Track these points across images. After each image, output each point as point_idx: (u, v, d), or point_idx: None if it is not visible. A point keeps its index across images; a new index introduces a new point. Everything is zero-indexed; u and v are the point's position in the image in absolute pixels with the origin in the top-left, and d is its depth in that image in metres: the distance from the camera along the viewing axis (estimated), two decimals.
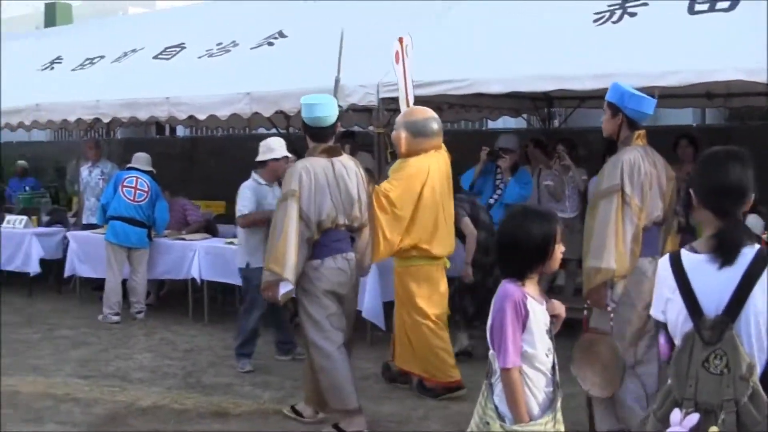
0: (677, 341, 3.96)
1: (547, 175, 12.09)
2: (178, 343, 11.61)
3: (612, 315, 6.86)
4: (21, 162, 19.75)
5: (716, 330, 3.81)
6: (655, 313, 4.14)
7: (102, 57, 15.86)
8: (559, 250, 4.68)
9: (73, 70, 15.96)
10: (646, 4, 10.34)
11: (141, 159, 13.41)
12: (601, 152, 7.24)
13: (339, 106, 8.53)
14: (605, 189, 6.94)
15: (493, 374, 4.66)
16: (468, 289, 10.21)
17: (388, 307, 9.92)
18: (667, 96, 11.07)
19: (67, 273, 14.28)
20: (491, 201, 11.76)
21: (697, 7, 9.94)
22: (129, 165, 13.47)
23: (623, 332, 6.91)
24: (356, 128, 15.72)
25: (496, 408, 4.61)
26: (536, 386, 4.59)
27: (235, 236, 12.54)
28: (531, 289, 4.65)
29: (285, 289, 7.77)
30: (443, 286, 9.08)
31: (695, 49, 9.35)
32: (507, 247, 4.73)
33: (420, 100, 10.08)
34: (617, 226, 6.83)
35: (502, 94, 11.59)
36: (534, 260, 4.65)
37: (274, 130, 16.21)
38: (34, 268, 14.57)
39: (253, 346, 10.40)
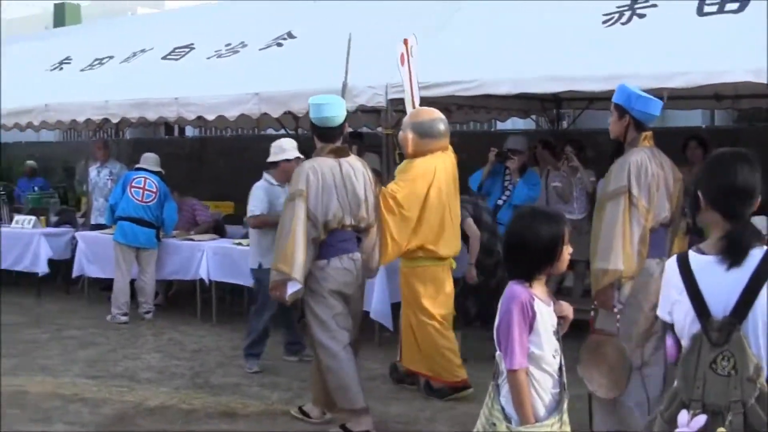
0: (684, 342, 3.96)
1: (556, 176, 12.08)
2: (187, 344, 11.62)
3: (618, 316, 6.86)
4: (30, 162, 19.74)
5: (724, 331, 3.80)
6: (661, 313, 4.14)
7: (111, 57, 15.89)
8: (567, 251, 4.67)
9: (82, 70, 15.98)
10: (655, 6, 10.32)
11: (149, 159, 13.42)
12: (610, 154, 7.22)
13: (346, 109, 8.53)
14: (612, 190, 6.93)
15: (499, 375, 4.66)
16: (471, 290, 10.21)
17: (396, 308, 9.91)
18: (676, 97, 11.06)
19: (75, 273, 14.30)
20: (500, 202, 11.75)
21: (706, 9, 9.92)
22: (137, 165, 13.48)
23: (630, 333, 6.90)
24: (365, 129, 15.73)
25: (503, 409, 4.60)
26: (543, 388, 4.59)
27: (243, 237, 12.60)
28: (538, 290, 4.64)
29: (293, 288, 7.77)
30: (449, 286, 9.07)
31: (704, 51, 9.33)
32: (515, 248, 4.72)
33: (429, 101, 10.08)
34: (624, 228, 6.82)
35: (510, 95, 11.58)
36: (542, 261, 4.64)
37: (282, 131, 16.24)
38: (42, 269, 14.58)
39: (263, 346, 10.39)
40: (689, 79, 9.15)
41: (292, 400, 9.03)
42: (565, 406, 4.67)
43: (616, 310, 6.86)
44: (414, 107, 9.59)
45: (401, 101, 10.25)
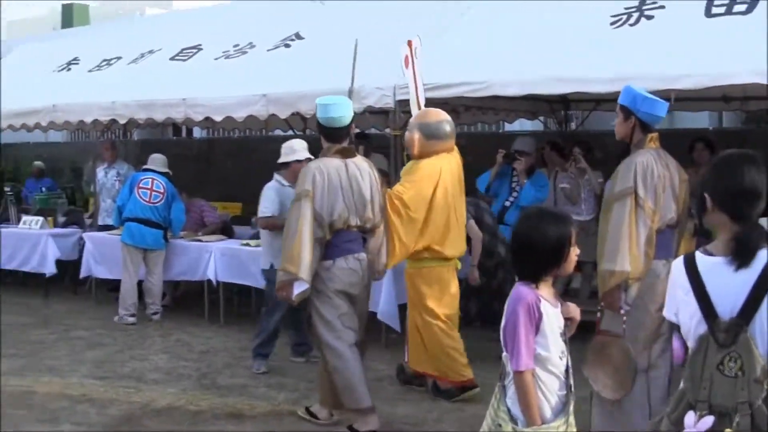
0: (690, 344, 3.96)
1: (564, 177, 12.08)
2: (194, 345, 11.62)
3: (625, 318, 6.85)
4: (37, 163, 19.76)
5: (731, 332, 3.80)
6: (667, 314, 4.14)
7: (119, 58, 15.89)
8: (574, 252, 4.66)
9: (89, 71, 15.99)
10: (663, 7, 10.29)
11: (157, 160, 13.43)
12: (617, 155, 7.22)
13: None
14: (618, 192, 6.92)
15: (506, 376, 4.65)
16: (473, 291, 10.22)
17: (404, 309, 9.91)
18: (684, 99, 11.05)
19: (82, 274, 14.33)
20: (507, 203, 11.77)
21: (714, 10, 9.90)
22: (145, 166, 13.49)
23: (637, 335, 6.89)
24: (373, 130, 15.73)
25: (509, 410, 4.59)
26: (549, 389, 4.58)
27: (251, 238, 12.61)
28: (545, 291, 4.63)
29: (300, 288, 7.77)
30: (454, 287, 9.07)
31: (712, 52, 9.31)
32: (522, 249, 4.70)
33: (437, 103, 10.08)
34: (631, 229, 6.81)
35: (518, 97, 11.60)
36: (549, 262, 4.63)
37: (290, 132, 16.24)
38: (50, 269, 14.61)
39: (272, 347, 10.41)
40: (697, 80, 9.14)
41: (299, 401, 9.03)
42: (572, 407, 4.66)
43: (622, 311, 6.85)
44: (419, 109, 9.59)
45: (409, 102, 10.24)
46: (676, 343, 4.14)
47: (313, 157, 9.90)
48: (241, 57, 13.84)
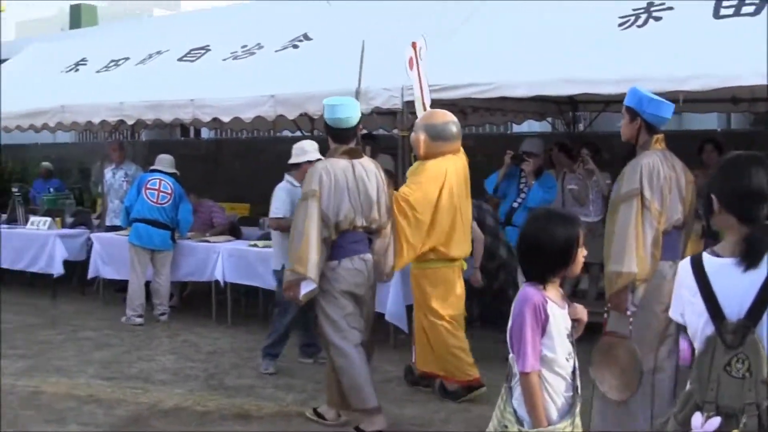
0: (697, 345, 3.95)
1: (572, 179, 12.07)
2: (201, 345, 11.63)
3: (631, 319, 6.84)
4: (45, 163, 19.79)
5: (738, 334, 3.79)
6: (673, 315, 4.13)
7: (127, 59, 15.91)
8: (582, 253, 4.65)
9: (97, 71, 16.01)
10: (671, 8, 10.29)
11: (164, 161, 13.44)
12: (624, 157, 7.22)
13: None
14: (625, 193, 6.92)
15: (512, 378, 4.65)
16: (475, 293, 10.22)
17: (412, 310, 9.91)
18: (692, 100, 11.02)
19: (90, 275, 14.35)
20: (515, 205, 11.77)
21: (723, 12, 9.89)
22: (153, 167, 13.49)
23: (643, 336, 6.88)
24: (380, 131, 15.73)
25: (515, 412, 4.59)
26: (555, 391, 4.57)
27: (259, 238, 12.64)
28: (552, 292, 4.63)
29: (307, 288, 7.79)
30: (459, 288, 9.07)
31: (720, 54, 9.29)
32: (529, 250, 4.70)
33: (444, 104, 10.08)
34: (637, 230, 6.81)
35: (526, 98, 11.59)
36: (556, 264, 4.62)
37: (298, 133, 16.25)
38: (57, 270, 14.63)
39: (282, 347, 10.41)
40: (705, 82, 9.12)
41: (306, 402, 9.04)
42: (578, 409, 4.65)
43: (629, 313, 6.84)
44: (425, 110, 9.59)
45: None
46: (683, 344, 4.13)
47: (323, 158, 9.92)
48: (249, 58, 13.86)
